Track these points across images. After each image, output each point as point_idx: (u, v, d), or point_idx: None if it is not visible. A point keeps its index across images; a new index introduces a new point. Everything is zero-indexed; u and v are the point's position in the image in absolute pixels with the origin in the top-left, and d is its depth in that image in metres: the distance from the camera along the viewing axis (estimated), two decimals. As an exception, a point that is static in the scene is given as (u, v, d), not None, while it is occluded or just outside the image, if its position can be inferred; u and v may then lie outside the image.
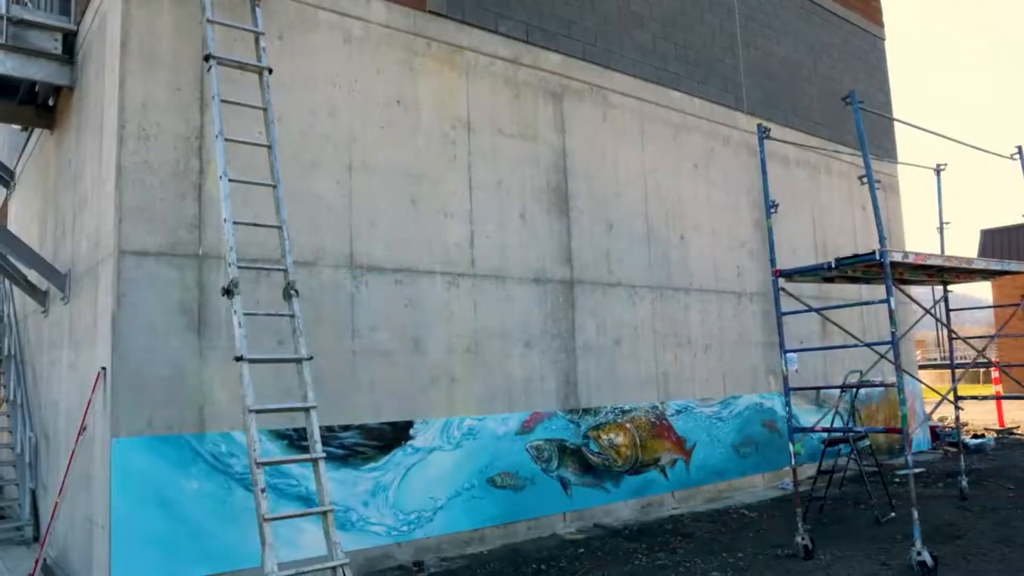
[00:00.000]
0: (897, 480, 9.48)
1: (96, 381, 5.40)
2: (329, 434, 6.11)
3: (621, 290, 8.44)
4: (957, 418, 8.67)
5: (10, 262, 7.54)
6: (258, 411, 4.98)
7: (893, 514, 7.46)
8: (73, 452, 5.70)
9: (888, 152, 13.35)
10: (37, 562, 5.85)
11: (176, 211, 5.65)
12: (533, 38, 8.08)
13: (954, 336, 8.61)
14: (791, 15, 11.74)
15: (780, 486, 9.35)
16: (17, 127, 8.76)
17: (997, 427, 13.31)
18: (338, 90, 6.58)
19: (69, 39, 7.00)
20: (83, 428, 5.57)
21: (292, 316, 5.42)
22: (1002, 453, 12.05)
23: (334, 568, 4.92)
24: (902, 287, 7.82)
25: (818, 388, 9.38)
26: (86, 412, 5.52)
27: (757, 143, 6.85)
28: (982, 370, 16.16)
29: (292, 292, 5.43)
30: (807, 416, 10.54)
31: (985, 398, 9.95)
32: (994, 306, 12.25)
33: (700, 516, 8.07)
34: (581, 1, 8.62)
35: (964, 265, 6.94)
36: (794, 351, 7.55)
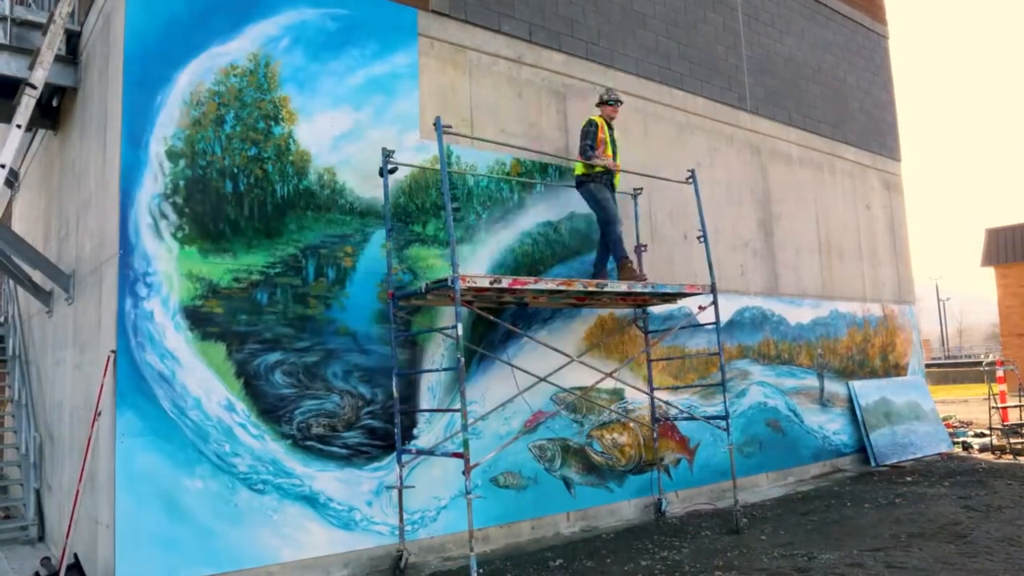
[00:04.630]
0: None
1: (107, 364, 5.39)
2: (332, 434, 6.13)
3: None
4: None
5: (14, 262, 7.56)
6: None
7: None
8: (90, 439, 5.64)
9: (892, 150, 13.33)
10: (62, 559, 5.84)
11: (180, 211, 5.67)
12: (536, 37, 8.07)
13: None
14: (794, 14, 11.72)
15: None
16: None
17: (1001, 426, 13.26)
18: (341, 90, 6.59)
19: (72, 40, 7.02)
20: (98, 413, 5.53)
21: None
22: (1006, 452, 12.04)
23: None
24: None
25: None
26: (99, 397, 5.48)
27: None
28: (986, 369, 16.12)
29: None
30: (811, 415, 10.54)
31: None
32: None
33: (704, 515, 8.06)
34: (584, 0, 8.61)
35: (544, 286, 6.39)
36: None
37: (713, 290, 7.67)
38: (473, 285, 5.89)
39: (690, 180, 8.01)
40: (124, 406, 5.24)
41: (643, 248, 8.34)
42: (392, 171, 6.52)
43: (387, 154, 6.48)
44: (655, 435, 8.22)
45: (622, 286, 7.00)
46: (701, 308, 8.04)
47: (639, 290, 7.16)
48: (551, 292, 6.61)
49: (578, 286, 6.58)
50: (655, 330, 8.44)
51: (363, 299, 6.44)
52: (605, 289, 6.80)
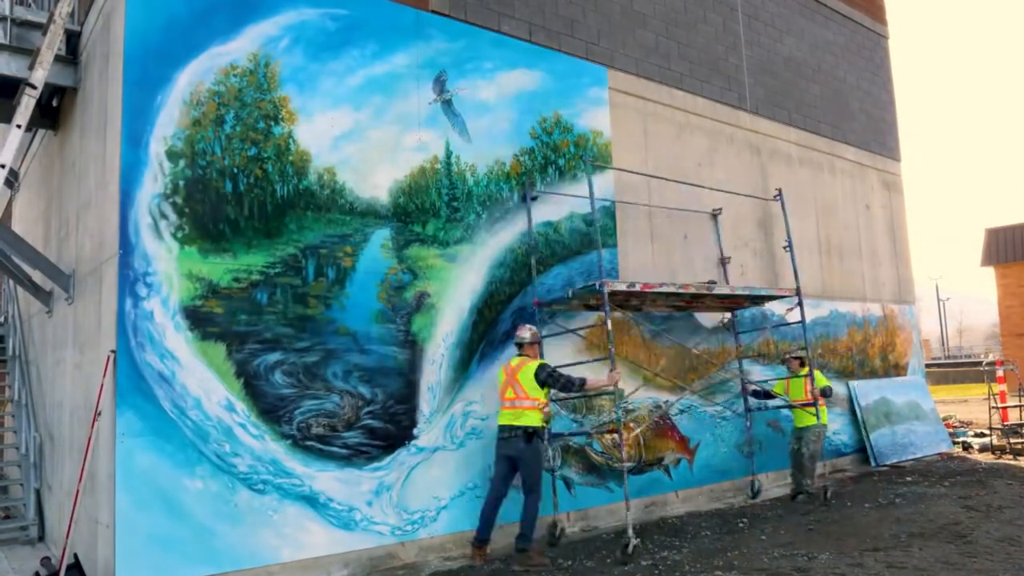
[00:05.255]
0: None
1: (107, 364, 5.38)
2: (332, 434, 6.13)
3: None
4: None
5: (14, 262, 7.56)
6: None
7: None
8: (90, 439, 5.64)
9: (892, 150, 13.32)
10: (62, 559, 5.84)
11: (180, 211, 5.67)
12: (536, 37, 8.07)
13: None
14: (794, 13, 11.72)
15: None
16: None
17: (1001, 426, 13.27)
18: (341, 90, 6.60)
19: (72, 40, 7.02)
20: (98, 413, 5.52)
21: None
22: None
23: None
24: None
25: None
26: (99, 397, 5.48)
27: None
28: (986, 368, 16.10)
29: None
30: (811, 415, 10.52)
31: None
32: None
33: (704, 516, 8.06)
34: (584, 0, 8.61)
35: (692, 291, 7.64)
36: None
37: (798, 293, 8.79)
38: (615, 289, 6.85)
39: (776, 198, 8.95)
40: (124, 406, 5.25)
41: (727, 260, 9.45)
42: (534, 199, 7.53)
43: (528, 184, 7.56)
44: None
45: (726, 289, 8.10)
46: (788, 310, 9.28)
47: (740, 293, 8.21)
48: (668, 295, 7.59)
49: (691, 289, 7.65)
50: (743, 331, 9.55)
51: (363, 299, 6.44)
52: (713, 291, 7.82)
